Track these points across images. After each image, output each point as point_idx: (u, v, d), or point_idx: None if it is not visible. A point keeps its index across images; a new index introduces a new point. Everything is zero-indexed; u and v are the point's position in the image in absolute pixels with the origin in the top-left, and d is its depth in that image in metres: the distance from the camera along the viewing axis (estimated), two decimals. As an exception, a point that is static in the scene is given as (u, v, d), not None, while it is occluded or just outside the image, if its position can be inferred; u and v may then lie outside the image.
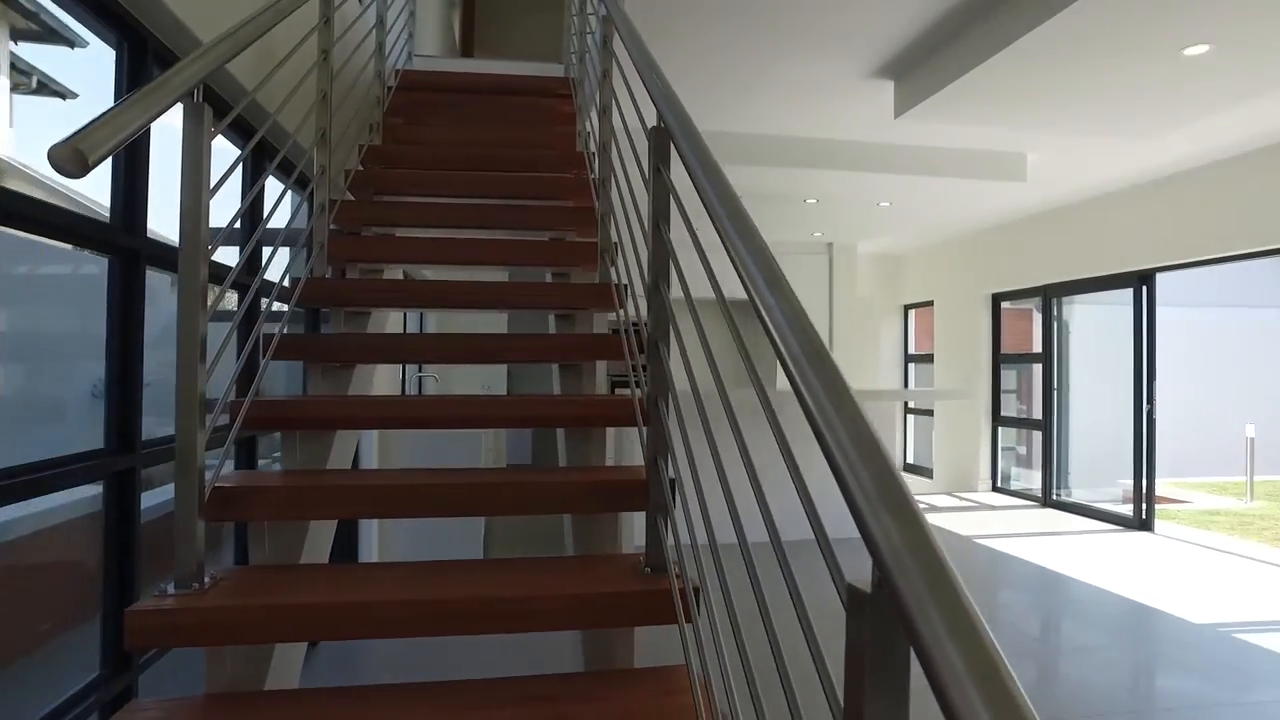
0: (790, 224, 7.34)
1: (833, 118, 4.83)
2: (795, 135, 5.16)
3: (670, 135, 1.66)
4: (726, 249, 1.17)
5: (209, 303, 1.56)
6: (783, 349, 0.91)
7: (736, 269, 1.12)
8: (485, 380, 8.10)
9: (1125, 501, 6.73)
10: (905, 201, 6.31)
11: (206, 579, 1.53)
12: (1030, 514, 7.32)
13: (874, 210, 6.61)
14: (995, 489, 8.49)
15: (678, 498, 1.65)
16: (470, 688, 1.43)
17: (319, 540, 1.98)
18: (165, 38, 2.11)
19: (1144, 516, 6.50)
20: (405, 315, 5.78)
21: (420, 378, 6.52)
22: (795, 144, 5.21)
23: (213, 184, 1.62)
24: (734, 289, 1.14)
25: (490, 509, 1.78)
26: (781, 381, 8.21)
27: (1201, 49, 3.35)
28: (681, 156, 1.52)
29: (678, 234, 1.76)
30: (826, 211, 6.68)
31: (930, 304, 9.56)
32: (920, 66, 3.97)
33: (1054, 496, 7.61)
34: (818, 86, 4.33)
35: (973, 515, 7.30)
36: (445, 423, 1.91)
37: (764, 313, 1.00)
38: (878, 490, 0.69)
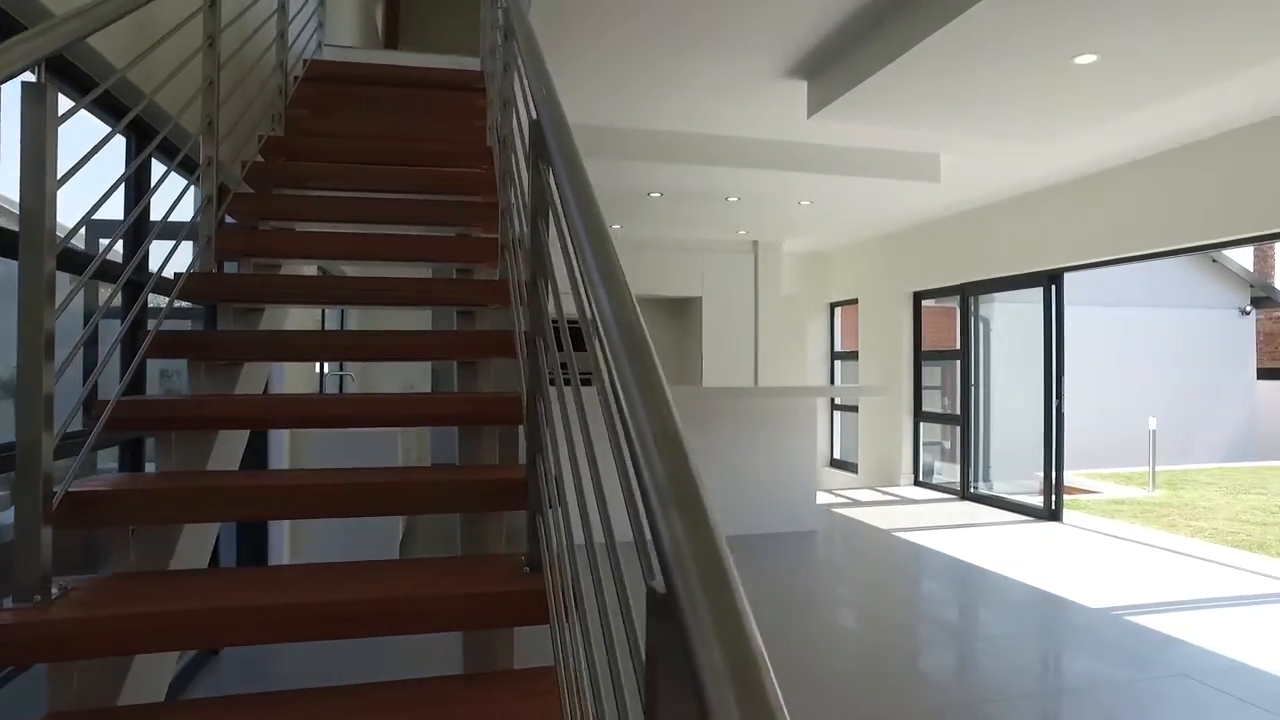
0: (714, 222, 7.39)
1: (748, 116, 4.88)
2: (712, 133, 5.20)
3: (542, 129, 1.63)
4: (573, 241, 1.16)
5: (87, 295, 1.48)
6: (603, 338, 0.90)
7: (578, 261, 1.10)
8: (410, 379, 7.97)
9: (1039, 494, 6.98)
10: (825, 200, 6.42)
11: (54, 590, 1.45)
12: (949, 507, 7.53)
13: (795, 209, 6.71)
14: (917, 483, 8.72)
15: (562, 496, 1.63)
16: (315, 697, 1.39)
17: (195, 545, 1.90)
18: (17, 12, 1.99)
19: (1053, 508, 6.75)
20: (324, 312, 5.63)
21: (340, 376, 6.36)
22: (712, 142, 5.24)
23: (70, 169, 1.54)
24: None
25: (362, 509, 1.73)
26: (709, 379, 8.28)
27: (1090, 58, 3.48)
28: (548, 150, 1.50)
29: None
30: (748, 210, 6.75)
31: (855, 302, 9.76)
32: (831, 67, 4.03)
33: (971, 489, 7.85)
34: (732, 85, 4.36)
35: (893, 509, 7.48)
36: (319, 422, 1.85)
37: (594, 305, 0.99)
38: (671, 488, 0.68)
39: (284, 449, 4.59)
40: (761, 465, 6.22)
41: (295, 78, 3.97)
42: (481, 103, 4.06)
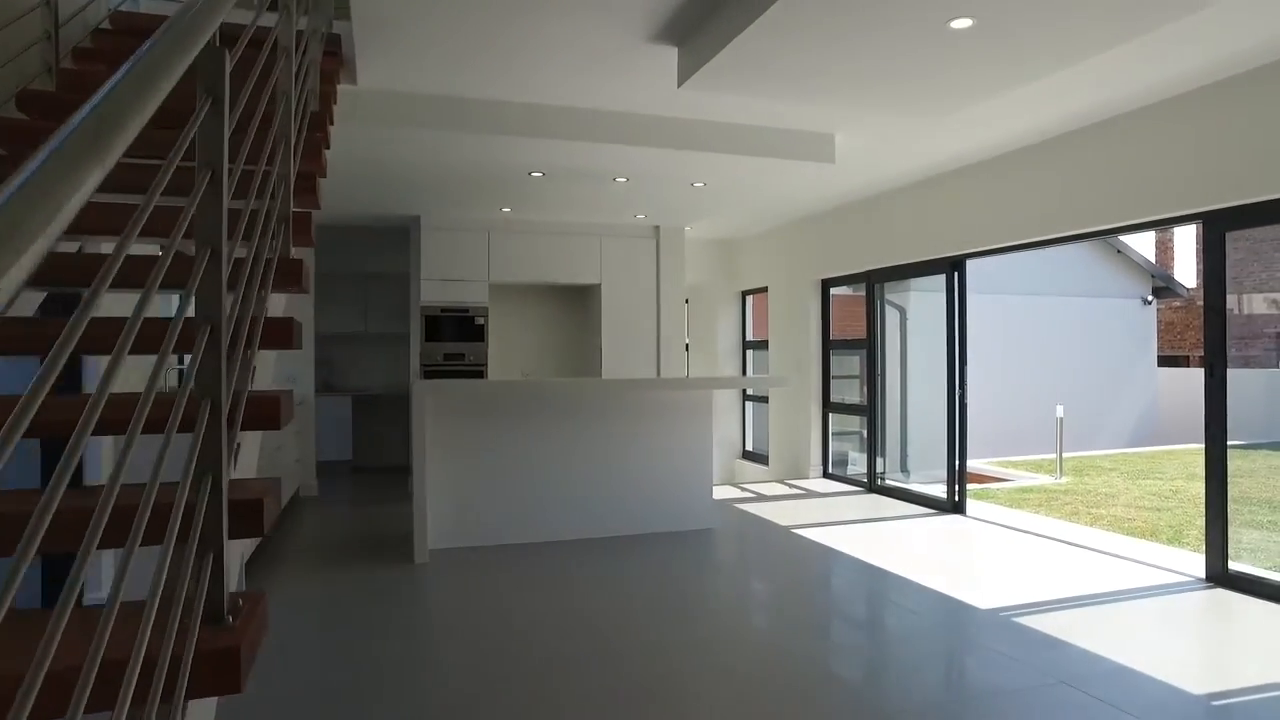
0: (607, 205, 7.02)
1: (624, 89, 4.51)
2: (590, 107, 4.81)
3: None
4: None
5: None
6: None
7: None
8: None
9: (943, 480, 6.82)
10: (719, 182, 6.10)
11: None
12: (855, 500, 7.35)
13: (689, 191, 6.37)
14: (826, 475, 8.54)
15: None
16: None
17: None
18: None
19: (956, 499, 6.61)
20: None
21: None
22: (591, 117, 4.86)
23: None
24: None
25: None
26: (610, 370, 7.91)
27: (966, 23, 3.21)
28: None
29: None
30: (639, 192, 6.39)
31: (765, 290, 9.53)
32: (699, 31, 3.68)
33: (879, 482, 7.69)
34: (600, 52, 3.98)
35: (798, 504, 7.26)
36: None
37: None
38: None
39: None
40: (657, 461, 5.90)
41: (100, 28, 3.48)
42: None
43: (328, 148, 3.75)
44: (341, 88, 4.35)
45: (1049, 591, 4.44)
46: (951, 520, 6.37)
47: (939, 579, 4.63)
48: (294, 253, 2.34)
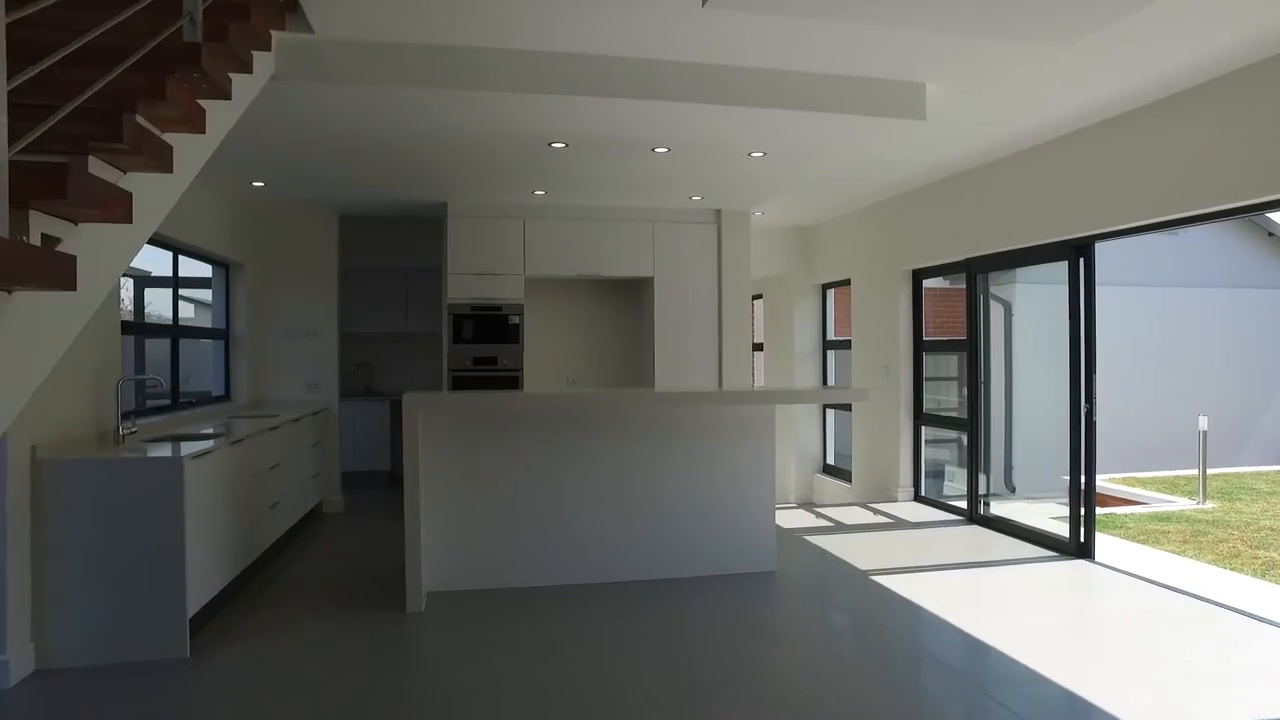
0: (656, 185, 6.01)
1: (643, 24, 3.50)
2: (600, 53, 3.82)
3: None
4: None
5: None
6: None
7: None
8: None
9: (1065, 518, 5.53)
10: (781, 150, 5.01)
11: None
12: (951, 534, 6.13)
13: (746, 164, 5.29)
14: (918, 498, 7.31)
15: None
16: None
17: None
18: None
19: (1081, 540, 5.32)
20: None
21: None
22: (604, 66, 3.86)
23: None
24: None
25: None
26: (663, 377, 6.93)
27: None
28: None
29: None
30: (686, 166, 5.35)
31: (848, 283, 8.33)
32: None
33: (980, 510, 6.43)
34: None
35: (882, 538, 6.09)
36: None
37: None
38: None
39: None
40: (709, 488, 4.89)
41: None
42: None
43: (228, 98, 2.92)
44: (296, 37, 3.54)
45: (1221, 694, 3.20)
46: (1075, 568, 5.10)
47: (1063, 664, 3.45)
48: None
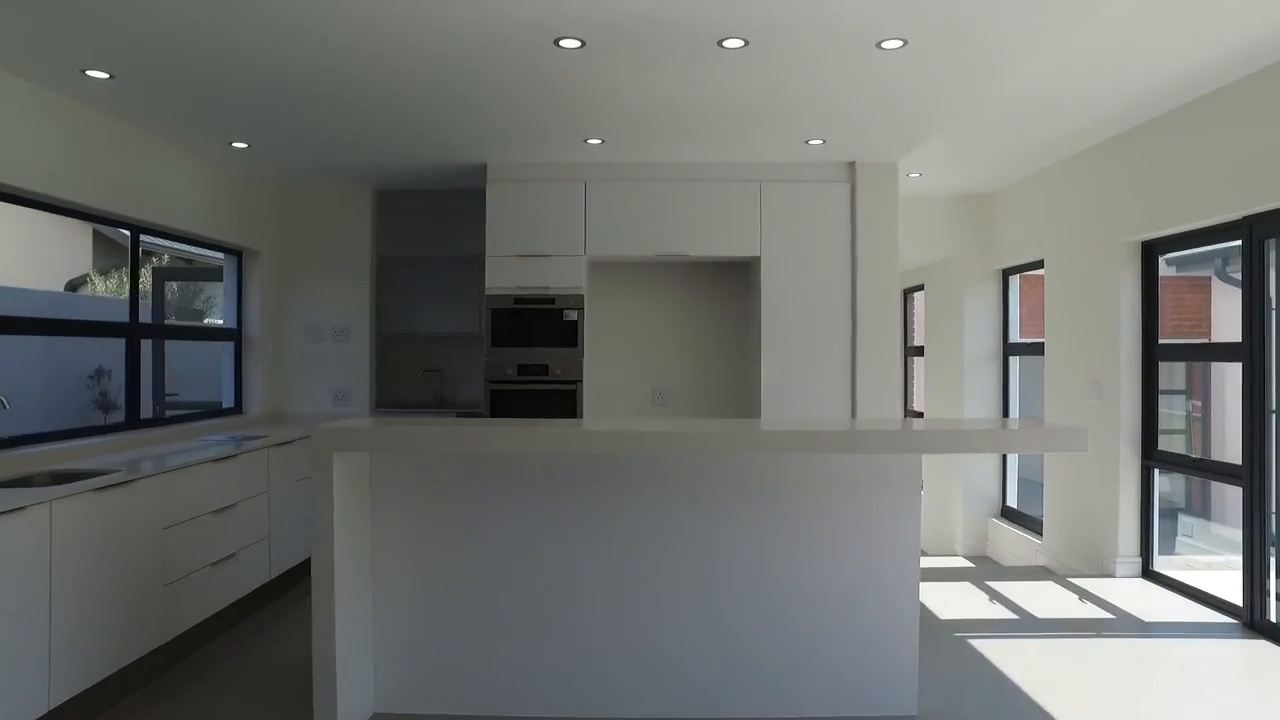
0: (756, 119, 4.15)
1: None
2: None
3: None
4: None
5: None
6: None
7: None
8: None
9: None
10: (926, 30, 3.07)
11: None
12: (1215, 654, 3.89)
13: (875, 61, 3.33)
14: (1147, 573, 5.01)
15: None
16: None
17: None
18: None
19: None
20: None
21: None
22: None
23: None
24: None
25: None
26: (773, 400, 5.12)
27: None
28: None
29: None
30: (781, 74, 3.47)
31: (1040, 265, 6.10)
32: None
33: (1265, 613, 4.10)
34: None
35: (1095, 651, 3.93)
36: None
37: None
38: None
39: None
40: (813, 580, 3.07)
41: None
42: None
43: None
44: None
45: None
46: None
47: None
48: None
